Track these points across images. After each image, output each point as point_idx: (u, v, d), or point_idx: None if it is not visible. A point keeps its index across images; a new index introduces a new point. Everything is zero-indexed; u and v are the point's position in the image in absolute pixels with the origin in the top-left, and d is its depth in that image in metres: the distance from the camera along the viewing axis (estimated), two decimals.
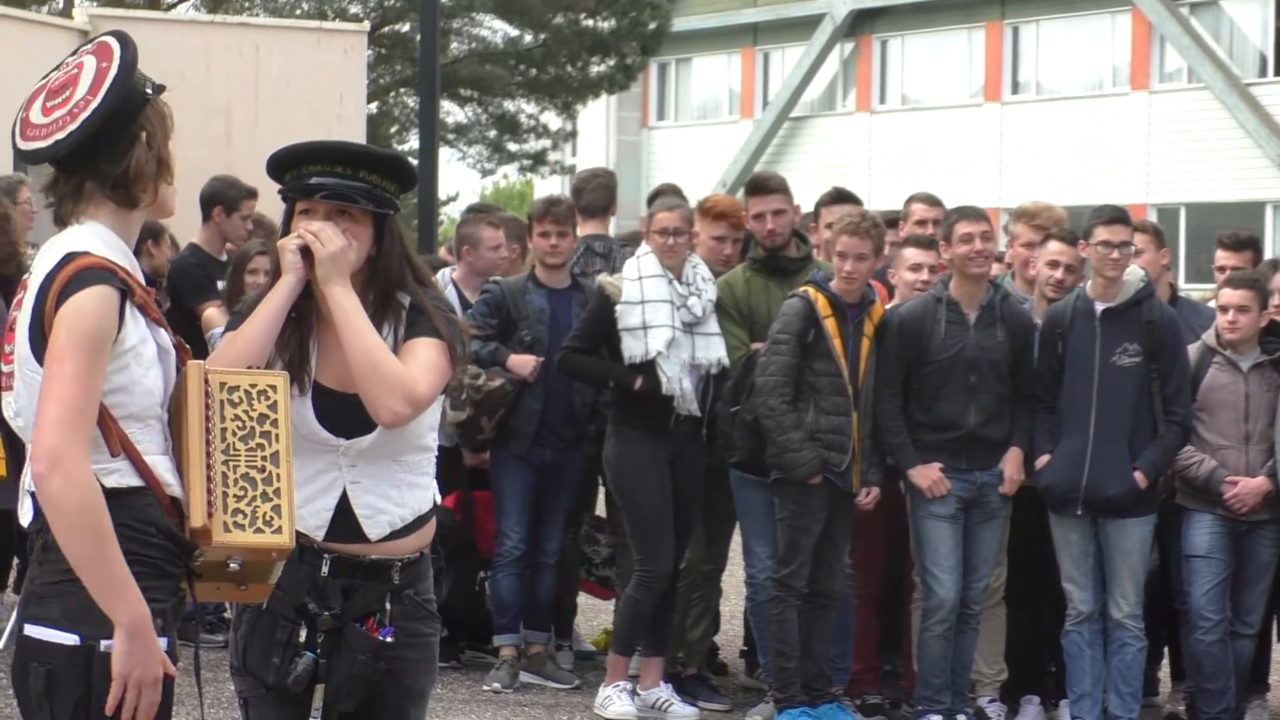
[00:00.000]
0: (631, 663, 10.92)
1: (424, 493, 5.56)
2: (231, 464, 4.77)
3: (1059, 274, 10.74)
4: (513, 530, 11.30)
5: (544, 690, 11.35)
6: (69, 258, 4.69)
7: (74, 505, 4.53)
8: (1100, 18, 46.34)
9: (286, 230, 5.54)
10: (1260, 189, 42.70)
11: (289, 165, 5.55)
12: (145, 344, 4.77)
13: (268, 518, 4.76)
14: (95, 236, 4.78)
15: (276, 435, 4.83)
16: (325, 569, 5.42)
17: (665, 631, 10.96)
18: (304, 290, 5.47)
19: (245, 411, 4.81)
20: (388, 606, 5.49)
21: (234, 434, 4.80)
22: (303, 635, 5.39)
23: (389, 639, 5.48)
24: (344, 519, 5.44)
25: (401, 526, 5.49)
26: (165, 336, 4.83)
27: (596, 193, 12.52)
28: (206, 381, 4.81)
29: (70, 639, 4.67)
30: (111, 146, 4.79)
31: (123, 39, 4.86)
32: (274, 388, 4.89)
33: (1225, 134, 43.40)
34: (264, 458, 4.80)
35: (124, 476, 4.72)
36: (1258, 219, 40.27)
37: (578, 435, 11.47)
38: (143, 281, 4.84)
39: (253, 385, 4.88)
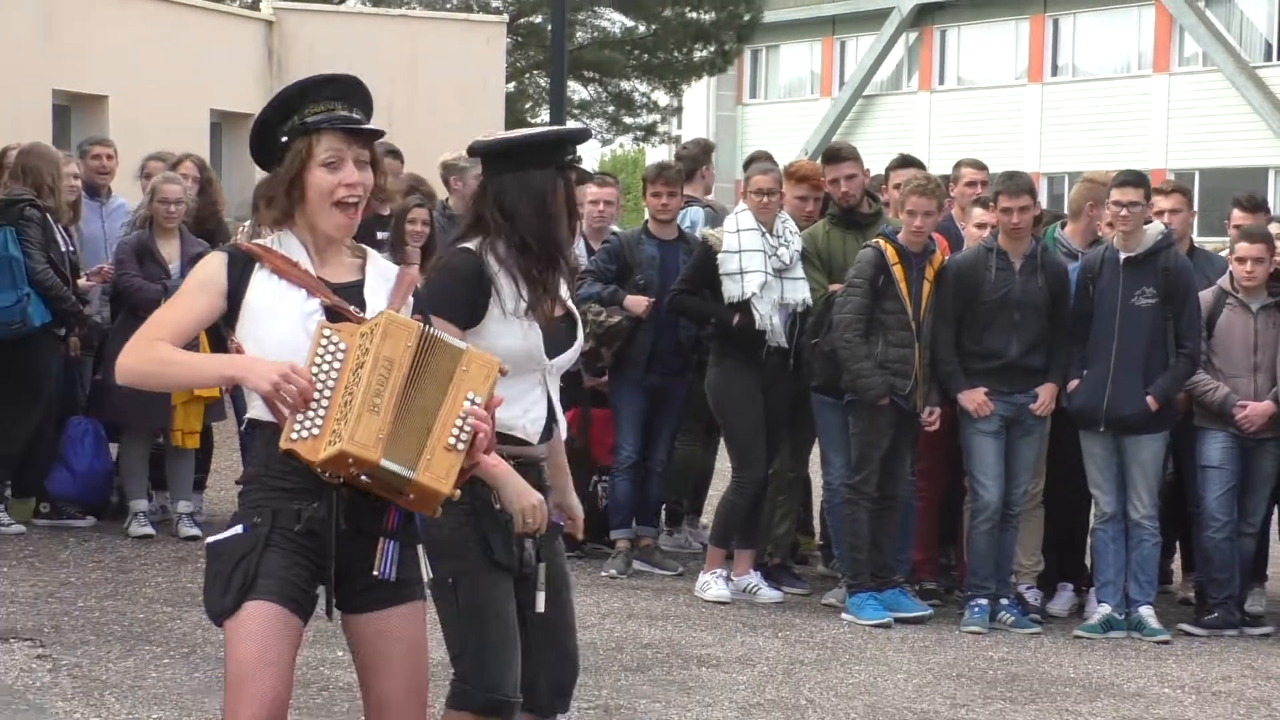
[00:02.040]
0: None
1: None
2: (346, 396, 4.64)
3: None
4: (627, 443, 11.36)
5: (652, 576, 11.40)
6: None
7: (131, 368, 4.80)
8: (1128, 10, 46.07)
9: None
10: (1264, 156, 42.46)
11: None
12: (279, 305, 4.78)
13: (341, 434, 4.61)
14: (270, 238, 4.92)
15: (365, 363, 4.66)
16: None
17: (755, 528, 11.00)
18: None
19: (362, 350, 4.66)
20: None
21: (352, 370, 4.66)
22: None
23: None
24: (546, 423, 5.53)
25: None
26: (314, 303, 4.79)
27: (681, 162, 12.83)
28: (324, 334, 4.68)
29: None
30: (265, 169, 4.95)
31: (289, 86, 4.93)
32: (376, 325, 4.70)
33: (1234, 110, 43.12)
34: (357, 383, 4.65)
35: (259, 411, 4.78)
36: (1261, 182, 40.02)
37: (683, 364, 11.49)
38: (295, 263, 4.82)
39: (370, 326, 4.71)
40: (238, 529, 4.77)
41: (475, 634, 5.31)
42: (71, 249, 11.65)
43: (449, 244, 5.63)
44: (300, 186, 4.85)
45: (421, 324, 4.78)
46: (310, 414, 4.64)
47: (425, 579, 4.89)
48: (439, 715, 5.42)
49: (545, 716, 5.64)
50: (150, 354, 4.76)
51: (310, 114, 4.85)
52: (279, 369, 4.60)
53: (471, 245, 5.50)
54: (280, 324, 4.77)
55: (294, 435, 4.64)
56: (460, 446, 4.73)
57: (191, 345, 4.90)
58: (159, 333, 4.80)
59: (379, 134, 4.93)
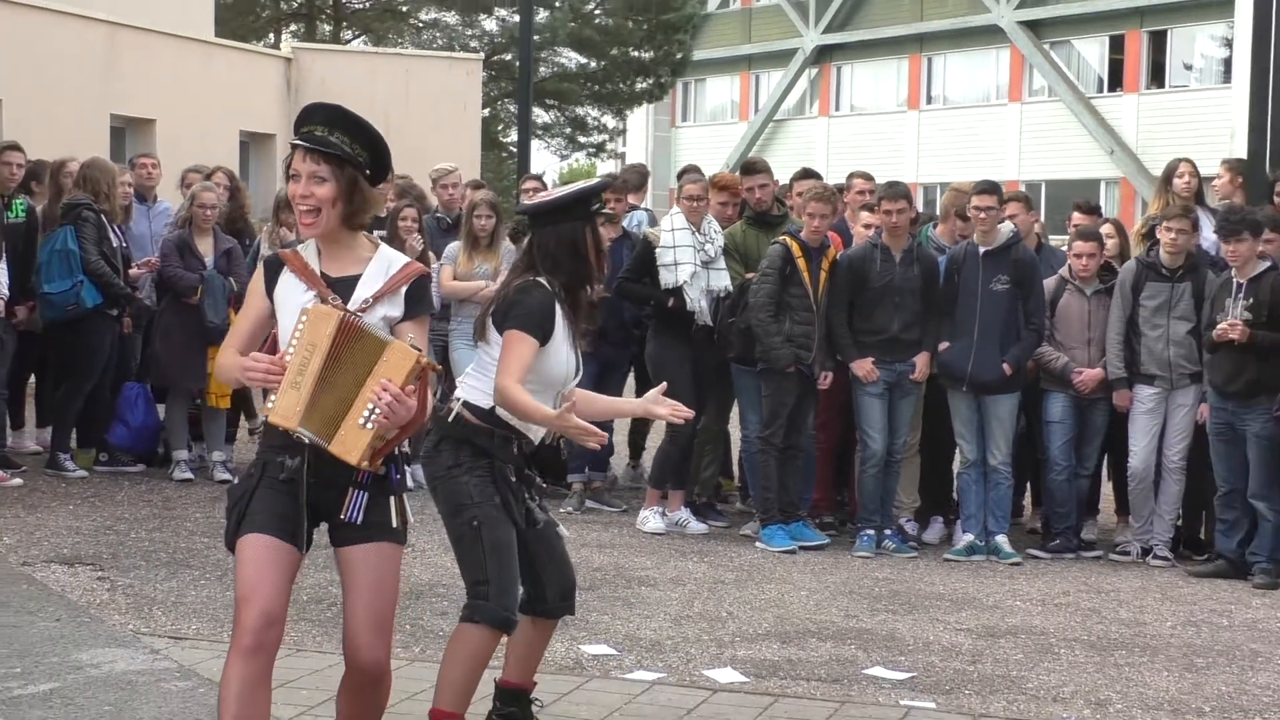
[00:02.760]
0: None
1: None
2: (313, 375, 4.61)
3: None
4: None
5: (602, 512, 11.38)
6: None
7: (214, 373, 4.92)
8: (988, 51, 46.17)
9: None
10: (1097, 171, 42.60)
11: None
12: (289, 299, 4.74)
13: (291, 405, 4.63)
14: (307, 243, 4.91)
15: (313, 353, 4.59)
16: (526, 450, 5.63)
17: (686, 473, 10.99)
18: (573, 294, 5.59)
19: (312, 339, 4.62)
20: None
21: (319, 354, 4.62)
22: (525, 492, 5.59)
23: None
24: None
25: None
26: (310, 294, 4.72)
27: (631, 175, 12.95)
28: (300, 319, 4.62)
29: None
30: None
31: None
32: (305, 315, 4.64)
33: (1073, 133, 43.26)
34: (297, 366, 4.61)
35: None
36: (1095, 191, 40.10)
37: (627, 338, 11.45)
38: (307, 264, 4.78)
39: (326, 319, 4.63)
40: (236, 479, 4.87)
41: (497, 567, 5.42)
42: (124, 244, 11.59)
43: (511, 278, 5.70)
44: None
45: (343, 312, 4.62)
46: (275, 387, 4.65)
47: (394, 524, 4.78)
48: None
49: (553, 617, 5.85)
50: (217, 360, 4.93)
51: (298, 135, 4.78)
52: (242, 364, 4.69)
53: (544, 280, 5.56)
54: (288, 314, 4.74)
55: (268, 405, 4.65)
56: (369, 425, 4.57)
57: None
58: (230, 341, 4.90)
59: (332, 154, 4.70)
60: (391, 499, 4.78)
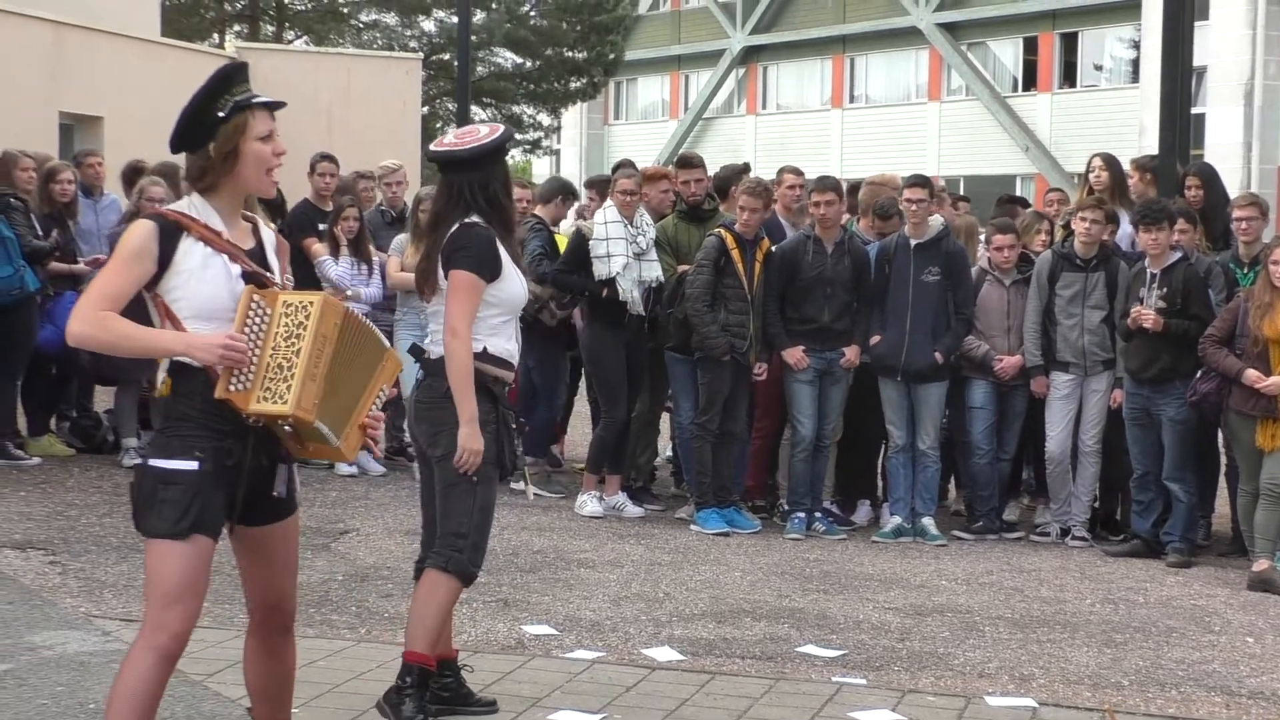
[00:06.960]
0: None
1: None
2: (273, 356, 4.44)
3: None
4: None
5: (542, 497, 11.28)
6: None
7: (87, 336, 4.38)
8: (908, 52, 46.42)
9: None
10: (1012, 167, 42.94)
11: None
12: (206, 270, 4.46)
13: (281, 394, 4.43)
14: (185, 203, 4.57)
15: (302, 335, 4.46)
16: None
17: (621, 457, 10.93)
18: None
19: (290, 320, 4.46)
20: None
21: (281, 335, 4.46)
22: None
23: None
24: None
25: None
26: (236, 268, 4.49)
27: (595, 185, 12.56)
28: (253, 300, 4.44)
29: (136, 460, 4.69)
30: (191, 151, 4.57)
31: (213, 75, 4.60)
32: (311, 303, 4.51)
33: (990, 130, 43.57)
34: (293, 352, 4.45)
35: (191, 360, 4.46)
36: (1011, 186, 40.37)
37: (572, 339, 11.35)
38: (214, 228, 4.50)
39: (299, 301, 4.51)
40: (191, 464, 4.45)
41: (479, 525, 5.64)
42: (66, 238, 11.50)
43: (442, 225, 5.77)
44: (235, 157, 4.53)
45: (346, 306, 4.64)
46: (241, 371, 4.42)
47: (297, 490, 4.78)
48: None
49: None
50: (106, 326, 4.35)
51: (239, 95, 4.55)
52: (218, 342, 4.36)
53: (479, 220, 5.70)
54: (209, 287, 4.45)
55: (232, 388, 4.42)
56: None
57: None
58: (105, 304, 4.35)
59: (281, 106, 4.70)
60: (293, 468, 4.77)
